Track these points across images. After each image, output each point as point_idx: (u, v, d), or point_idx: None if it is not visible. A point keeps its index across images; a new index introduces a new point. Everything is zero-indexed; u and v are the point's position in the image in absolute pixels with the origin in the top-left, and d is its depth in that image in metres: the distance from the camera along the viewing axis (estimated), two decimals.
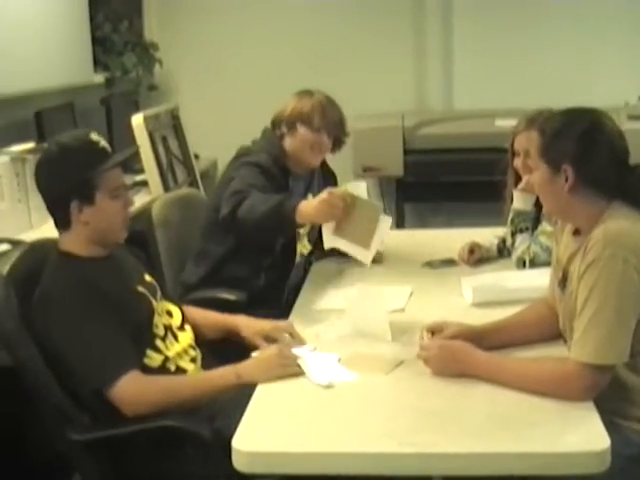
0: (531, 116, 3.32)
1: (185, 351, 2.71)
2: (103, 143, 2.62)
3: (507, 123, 5.08)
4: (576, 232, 2.46)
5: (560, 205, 2.41)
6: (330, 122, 3.56)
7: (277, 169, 3.49)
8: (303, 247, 3.66)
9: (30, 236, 3.65)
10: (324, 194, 3.02)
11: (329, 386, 2.36)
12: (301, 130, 3.53)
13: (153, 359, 2.57)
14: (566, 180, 2.33)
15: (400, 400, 2.30)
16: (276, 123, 3.61)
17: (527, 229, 3.42)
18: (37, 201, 4.17)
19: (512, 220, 3.46)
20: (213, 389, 2.52)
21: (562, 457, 1.98)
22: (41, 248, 2.70)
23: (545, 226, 3.30)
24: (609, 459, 1.95)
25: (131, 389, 2.42)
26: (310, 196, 3.63)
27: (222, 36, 6.52)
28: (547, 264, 2.97)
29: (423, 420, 2.15)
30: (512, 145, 3.43)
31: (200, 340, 2.85)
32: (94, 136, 2.61)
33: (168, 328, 2.70)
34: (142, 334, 2.57)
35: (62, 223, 2.58)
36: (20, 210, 4.17)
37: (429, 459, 2.01)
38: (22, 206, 4.18)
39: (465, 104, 6.34)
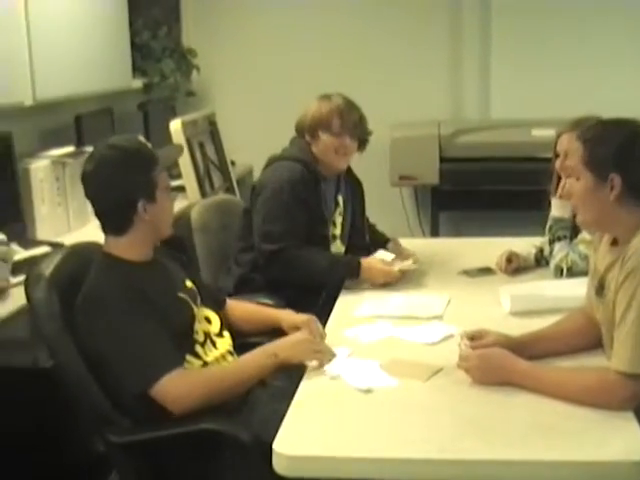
0: (576, 119, 3.32)
1: (223, 357, 2.74)
2: (149, 144, 2.68)
3: (543, 133, 5.11)
4: (614, 242, 2.45)
5: (602, 214, 2.40)
6: (350, 124, 3.61)
7: (310, 176, 3.53)
8: (337, 248, 3.69)
9: (69, 239, 3.69)
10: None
11: (368, 391, 2.37)
12: (323, 136, 3.59)
13: (192, 364, 2.60)
14: (611, 189, 2.33)
15: (439, 407, 2.30)
16: (299, 131, 3.67)
17: (565, 237, 3.41)
18: (76, 205, 4.26)
19: (550, 228, 3.46)
20: (253, 370, 2.58)
21: (602, 466, 1.97)
22: (83, 251, 2.74)
23: (584, 234, 3.29)
24: None
25: (175, 386, 2.44)
26: (340, 198, 3.70)
27: (258, 43, 6.56)
28: (585, 273, 2.97)
29: (463, 427, 2.16)
30: (555, 149, 3.42)
31: (240, 334, 2.90)
32: (142, 139, 2.67)
33: (207, 335, 2.73)
34: (183, 340, 2.61)
35: (121, 226, 2.61)
36: (59, 213, 4.22)
37: (469, 466, 2.02)
38: (61, 209, 4.24)
39: (501, 113, 6.33)
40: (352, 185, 3.84)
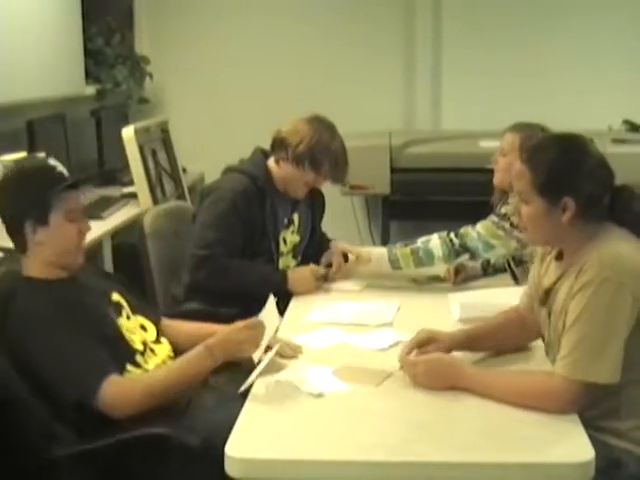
0: (518, 122, 3.48)
1: (164, 362, 2.76)
2: (60, 169, 2.70)
3: (491, 144, 5.17)
4: (558, 257, 2.50)
5: (552, 235, 2.43)
6: (338, 172, 3.60)
7: (256, 190, 3.52)
8: (285, 264, 3.69)
9: None
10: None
11: (320, 395, 2.40)
12: (307, 170, 3.53)
13: (133, 373, 2.60)
14: (563, 211, 2.35)
15: (390, 411, 2.33)
16: (282, 145, 3.55)
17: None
18: None
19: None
20: (190, 370, 2.58)
21: (547, 468, 2.02)
22: (3, 282, 2.70)
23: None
24: (593, 470, 2.00)
25: (114, 392, 2.45)
26: (296, 217, 3.70)
27: (212, 51, 6.57)
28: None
29: (413, 431, 2.19)
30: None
31: (179, 352, 2.85)
32: (52, 161, 2.69)
33: (145, 343, 2.74)
34: (119, 349, 2.61)
35: (19, 245, 2.62)
36: None
37: (418, 468, 2.05)
38: None
39: (452, 124, 6.40)
40: (314, 200, 3.83)
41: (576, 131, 2.52)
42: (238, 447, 2.11)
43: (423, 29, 6.38)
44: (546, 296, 2.51)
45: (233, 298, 3.40)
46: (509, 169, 3.47)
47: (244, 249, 3.51)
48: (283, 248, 3.66)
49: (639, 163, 4.87)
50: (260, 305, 3.20)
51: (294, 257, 3.74)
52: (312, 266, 3.58)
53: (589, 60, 6.26)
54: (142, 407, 2.46)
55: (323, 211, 3.89)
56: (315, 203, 3.84)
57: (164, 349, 2.81)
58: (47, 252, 2.60)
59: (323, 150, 3.50)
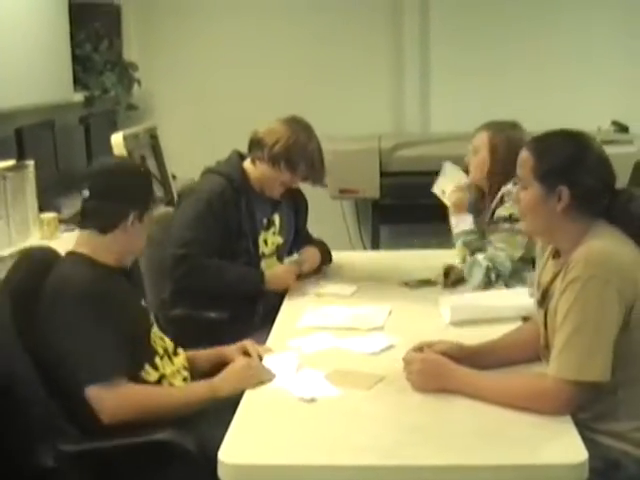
0: (490, 121, 3.58)
1: (179, 371, 2.79)
2: None
3: None
4: (556, 255, 2.50)
5: (548, 225, 2.44)
6: (314, 173, 3.64)
7: (232, 191, 3.56)
8: (268, 266, 3.69)
9: (10, 252, 3.67)
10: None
11: (312, 400, 2.40)
12: (283, 170, 3.58)
13: (151, 374, 2.65)
14: (558, 200, 2.38)
15: (382, 415, 2.33)
16: (258, 145, 3.61)
17: (481, 249, 3.50)
18: (18, 218, 4.23)
19: (465, 244, 3.53)
20: (189, 402, 2.61)
21: (541, 469, 2.03)
22: (38, 256, 2.78)
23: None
24: (586, 471, 2.00)
25: (111, 396, 2.47)
26: (277, 217, 3.72)
27: (200, 57, 6.57)
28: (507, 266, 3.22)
29: (406, 434, 2.19)
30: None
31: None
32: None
33: (165, 350, 2.79)
34: (143, 348, 2.67)
35: (106, 226, 2.70)
36: (1, 227, 4.18)
37: (411, 471, 2.05)
38: (2, 223, 4.20)
39: (441, 127, 6.41)
40: (296, 201, 3.85)
41: None
42: (231, 453, 2.11)
43: (411, 33, 6.39)
44: (543, 296, 2.52)
45: (218, 302, 3.44)
46: (482, 166, 3.52)
47: (222, 250, 3.54)
48: (265, 249, 3.69)
49: (627, 164, 4.88)
50: (247, 310, 3.24)
51: (279, 259, 3.76)
52: (286, 265, 3.66)
53: (578, 62, 6.29)
54: (129, 419, 2.47)
55: (306, 213, 3.92)
56: (298, 205, 3.87)
57: (180, 359, 2.85)
58: (127, 243, 2.74)
59: (299, 151, 3.56)
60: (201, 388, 2.64)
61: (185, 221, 3.54)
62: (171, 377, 2.73)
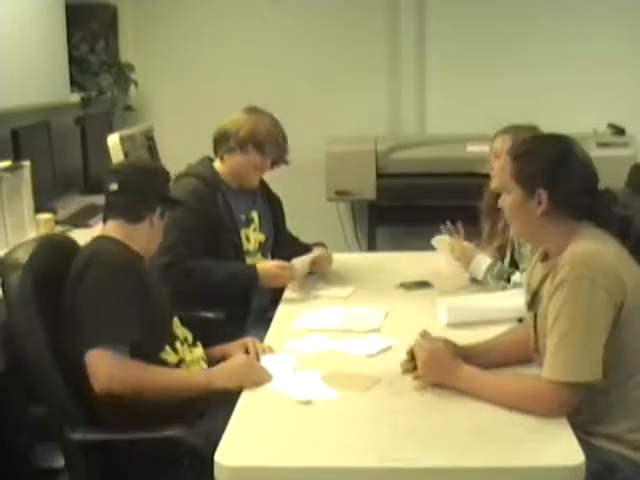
0: (511, 124, 3.50)
1: (198, 361, 2.85)
2: None
3: (478, 148, 5.18)
4: (545, 258, 2.51)
5: (530, 228, 2.47)
6: (280, 151, 3.71)
7: (206, 188, 3.61)
8: (258, 260, 3.71)
9: (5, 252, 3.65)
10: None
11: (308, 402, 2.40)
12: (252, 153, 3.65)
13: (170, 355, 2.72)
14: (539, 204, 2.40)
15: (380, 416, 2.34)
16: (224, 138, 3.70)
17: (512, 273, 3.45)
18: (14, 220, 4.21)
19: (496, 277, 3.49)
20: (183, 386, 2.63)
21: (538, 472, 2.03)
22: (59, 241, 2.92)
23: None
24: (583, 474, 2.00)
25: (108, 363, 2.50)
26: (255, 214, 3.76)
27: (197, 58, 6.56)
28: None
29: (403, 436, 2.20)
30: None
31: None
32: None
33: (185, 338, 2.85)
34: (164, 330, 2.75)
35: (134, 217, 2.83)
36: None
37: (409, 474, 2.05)
38: None
39: (438, 129, 6.41)
40: (271, 201, 3.92)
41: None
42: (227, 454, 2.11)
43: (407, 33, 6.38)
44: (533, 299, 2.53)
45: (213, 302, 3.43)
46: (505, 171, 3.48)
47: (207, 247, 3.55)
48: (248, 246, 3.71)
49: (623, 166, 4.88)
50: (241, 308, 3.23)
51: (263, 255, 3.78)
52: (276, 261, 3.64)
53: (575, 63, 6.27)
54: (119, 391, 2.48)
55: (283, 212, 3.98)
56: (272, 204, 3.92)
57: (199, 351, 2.90)
58: (147, 237, 2.87)
59: (263, 132, 3.66)
60: (197, 376, 2.70)
61: (165, 227, 3.51)
62: (190, 364, 2.78)
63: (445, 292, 3.47)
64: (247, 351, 2.91)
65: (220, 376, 2.62)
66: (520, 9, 6.30)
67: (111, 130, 5.42)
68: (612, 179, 2.59)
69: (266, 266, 3.59)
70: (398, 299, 3.44)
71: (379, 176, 5.90)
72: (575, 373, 2.25)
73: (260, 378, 2.59)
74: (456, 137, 5.97)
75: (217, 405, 2.62)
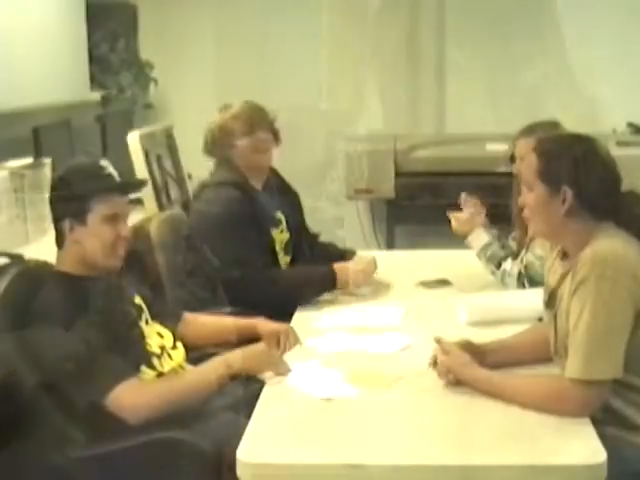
0: (531, 124, 3.42)
1: (180, 366, 2.78)
2: (110, 171, 2.70)
3: (497, 147, 5.18)
4: (564, 256, 2.50)
5: (553, 226, 2.45)
6: (256, 120, 3.68)
7: (243, 195, 3.56)
8: (281, 260, 3.70)
9: (27, 250, 3.67)
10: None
11: (329, 399, 2.40)
12: (237, 142, 3.64)
13: (147, 374, 2.62)
14: (563, 202, 2.39)
15: (401, 414, 2.34)
16: (212, 141, 3.72)
17: (505, 257, 3.47)
18: (35, 216, 4.25)
19: (489, 258, 3.50)
20: (206, 380, 2.60)
21: (560, 470, 2.03)
22: (33, 272, 2.72)
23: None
24: (605, 472, 2.00)
25: (130, 395, 2.46)
26: (280, 213, 3.73)
27: (216, 56, 6.58)
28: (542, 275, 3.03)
29: (424, 433, 2.20)
30: (512, 157, 3.49)
31: (196, 348, 2.93)
32: (103, 163, 2.69)
33: (163, 348, 2.76)
34: (135, 350, 2.62)
35: (57, 240, 2.68)
36: (18, 225, 4.20)
37: (430, 471, 2.06)
38: (20, 221, 4.22)
39: (457, 128, 6.40)
40: (289, 197, 3.88)
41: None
42: (249, 452, 2.11)
43: (427, 33, 6.39)
44: (551, 298, 2.52)
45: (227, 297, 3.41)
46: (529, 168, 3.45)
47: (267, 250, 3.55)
48: (277, 247, 3.68)
49: None
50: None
51: (286, 254, 3.75)
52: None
53: (593, 65, 6.26)
54: (156, 413, 2.45)
55: (301, 207, 3.95)
56: (292, 199, 3.90)
57: (179, 354, 2.82)
58: (83, 250, 2.64)
59: (229, 120, 3.68)
60: (214, 365, 2.63)
61: (225, 243, 3.47)
62: (170, 373, 2.70)
63: (465, 290, 3.47)
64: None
65: (238, 361, 2.60)
66: (540, 8, 6.29)
67: (131, 128, 5.44)
68: (632, 178, 2.58)
69: (344, 268, 3.53)
70: (417, 297, 3.44)
71: (398, 175, 5.90)
72: (596, 370, 2.24)
73: (277, 368, 2.60)
74: (475, 136, 5.97)
75: (213, 404, 2.62)
